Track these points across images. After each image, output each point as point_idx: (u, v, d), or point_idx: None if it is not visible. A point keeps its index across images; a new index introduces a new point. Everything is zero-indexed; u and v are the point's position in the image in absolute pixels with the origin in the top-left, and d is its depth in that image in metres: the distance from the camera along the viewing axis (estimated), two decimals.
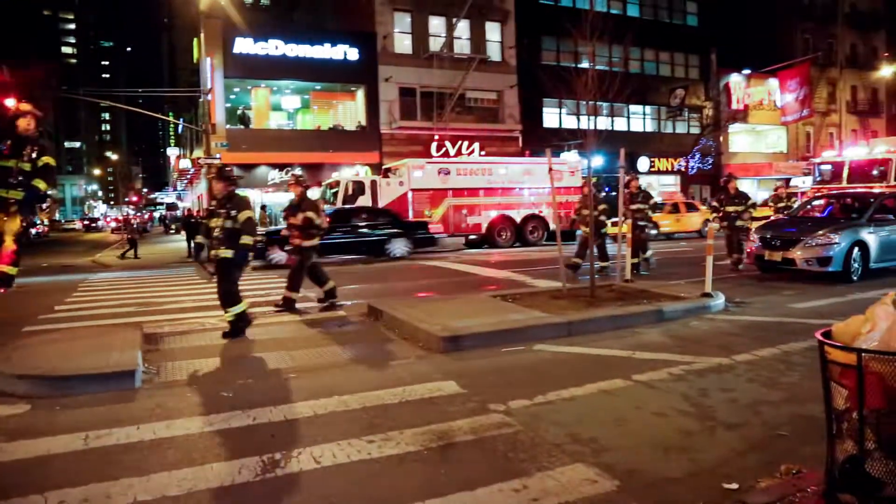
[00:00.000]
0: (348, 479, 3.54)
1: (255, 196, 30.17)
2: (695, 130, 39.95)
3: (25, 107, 6.82)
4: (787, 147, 44.11)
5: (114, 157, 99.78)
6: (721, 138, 40.56)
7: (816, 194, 16.39)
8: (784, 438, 3.94)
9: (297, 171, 10.63)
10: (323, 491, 3.40)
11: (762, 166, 41.47)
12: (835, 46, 45.30)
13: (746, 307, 8.68)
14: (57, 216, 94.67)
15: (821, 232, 10.84)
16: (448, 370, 5.75)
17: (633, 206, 12.76)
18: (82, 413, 4.80)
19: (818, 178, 19.56)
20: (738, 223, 13.15)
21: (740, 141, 43.33)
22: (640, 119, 38.74)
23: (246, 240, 7.43)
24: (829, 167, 19.52)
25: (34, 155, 6.66)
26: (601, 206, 12.45)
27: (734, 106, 40.29)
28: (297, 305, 9.34)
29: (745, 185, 41.61)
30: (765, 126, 43.15)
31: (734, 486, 3.30)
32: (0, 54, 73.99)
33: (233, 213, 7.46)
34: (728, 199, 13.60)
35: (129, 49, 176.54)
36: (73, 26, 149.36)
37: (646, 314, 7.87)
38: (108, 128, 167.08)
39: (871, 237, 10.90)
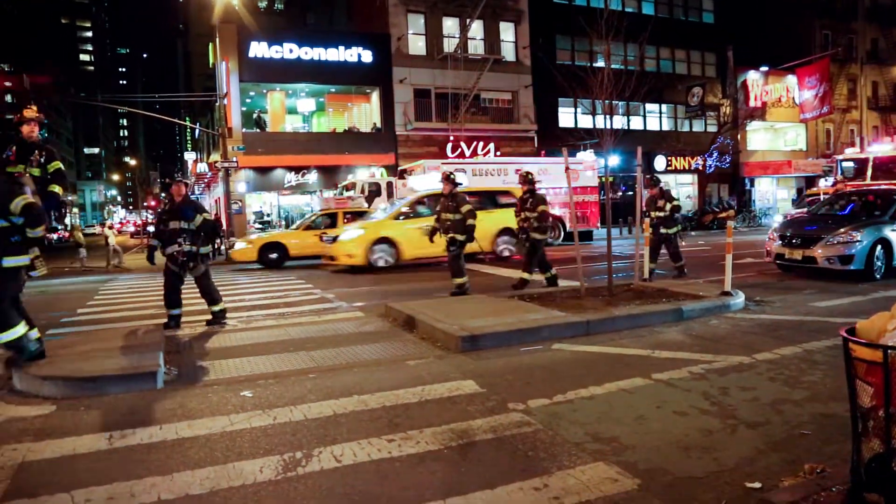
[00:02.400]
0: (369, 477, 3.56)
1: (271, 199, 30.41)
2: (712, 128, 39.63)
3: (30, 113, 6.81)
4: (807, 145, 43.64)
5: (132, 162, 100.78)
6: (739, 136, 40.19)
7: (837, 191, 16.20)
8: (807, 437, 3.90)
9: (525, 171, 11.44)
10: (343, 489, 3.42)
11: (781, 164, 41.04)
12: (855, 42, 44.71)
13: (767, 306, 8.60)
14: (77, 221, 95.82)
15: (842, 230, 10.71)
16: (467, 370, 5.75)
17: (654, 214, 12.18)
18: (106, 413, 4.86)
19: (841, 176, 19.36)
20: (662, 231, 12.01)
21: (758, 139, 42.93)
22: (656, 117, 38.52)
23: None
24: (851, 164, 19.30)
25: (42, 160, 6.65)
26: (673, 203, 12.02)
27: (752, 103, 39.88)
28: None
29: (763, 183, 41.46)
30: (783, 123, 42.71)
31: (757, 485, 3.27)
32: (19, 61, 75.19)
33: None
34: (651, 204, 12.35)
35: (144, 55, 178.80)
36: (89, 34, 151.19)
37: (665, 313, 7.82)
38: (126, 133, 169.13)
39: (894, 235, 10.74)
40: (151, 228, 26.38)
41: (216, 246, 24.93)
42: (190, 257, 8.29)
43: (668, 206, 12.00)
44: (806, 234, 11.21)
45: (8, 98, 73.86)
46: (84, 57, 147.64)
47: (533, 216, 10.48)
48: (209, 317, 8.67)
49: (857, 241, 10.40)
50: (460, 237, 10.18)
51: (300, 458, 3.82)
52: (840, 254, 10.46)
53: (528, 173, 11.05)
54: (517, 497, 3.26)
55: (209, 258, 8.65)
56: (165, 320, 8.43)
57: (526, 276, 10.70)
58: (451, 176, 10.53)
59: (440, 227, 10.44)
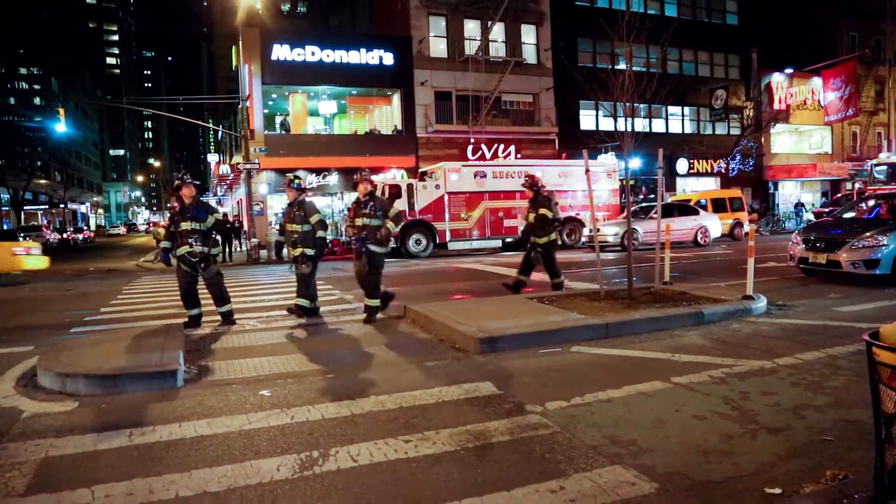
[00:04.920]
0: (385, 477, 3.56)
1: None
2: (735, 131, 39.23)
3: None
4: (832, 148, 42.99)
5: (156, 163, 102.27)
6: (762, 139, 39.74)
7: (864, 195, 15.96)
8: (829, 443, 3.83)
9: (528, 174, 11.21)
10: (360, 489, 3.43)
11: (806, 167, 40.46)
12: (883, 43, 43.93)
13: (789, 310, 8.47)
14: (102, 221, 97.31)
15: (868, 234, 10.52)
16: (484, 371, 5.74)
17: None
18: (127, 411, 4.92)
19: (874, 180, 19.06)
20: (533, 240, 10.51)
21: (783, 141, 42.39)
22: (678, 120, 38.20)
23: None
24: (884, 168, 18.96)
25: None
26: (539, 213, 10.32)
27: (776, 106, 39.40)
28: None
29: (787, 186, 40.93)
30: (808, 126, 42.14)
31: (777, 490, 3.22)
32: (48, 66, 76.49)
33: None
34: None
35: (169, 59, 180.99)
36: (116, 38, 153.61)
37: (685, 316, 7.75)
38: (151, 136, 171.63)
39: None
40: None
41: (230, 246, 25.38)
42: (202, 258, 8.33)
43: (532, 217, 10.42)
44: (830, 238, 11.04)
45: (36, 100, 75.18)
46: (110, 60, 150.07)
47: (532, 217, 10.37)
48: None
49: (883, 245, 10.21)
50: (310, 251, 8.66)
51: (317, 458, 3.84)
52: (865, 258, 10.28)
53: (530, 176, 10.72)
54: (533, 499, 3.24)
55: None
56: (186, 320, 8.51)
57: (524, 278, 10.67)
58: (296, 181, 8.91)
59: (286, 240, 8.93)
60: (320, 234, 8.76)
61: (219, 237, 8.86)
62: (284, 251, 9.16)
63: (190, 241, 8.30)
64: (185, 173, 9.00)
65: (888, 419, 2.71)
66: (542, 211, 10.22)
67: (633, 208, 22.19)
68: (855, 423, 4.09)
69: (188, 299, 8.50)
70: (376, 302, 8.72)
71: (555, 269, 10.55)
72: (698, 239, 22.37)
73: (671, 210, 22.45)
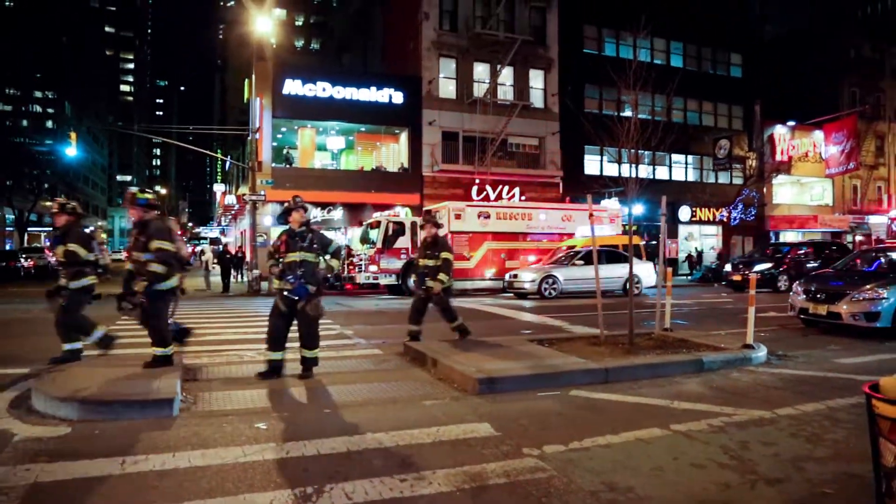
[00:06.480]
0: None
1: None
2: (737, 181, 39.53)
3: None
4: (833, 200, 43.26)
5: (162, 191, 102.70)
6: (764, 189, 40.03)
7: (863, 248, 16.02)
8: (829, 496, 3.79)
9: (429, 209, 10.66)
10: None
11: (806, 219, 40.68)
12: (882, 100, 44.60)
13: (789, 361, 8.44)
14: (105, 246, 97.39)
15: (868, 286, 10.54)
16: (483, 412, 5.70)
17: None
18: (120, 438, 4.88)
19: (893, 233, 19.22)
20: (429, 283, 9.34)
21: (784, 192, 42.67)
22: (681, 168, 38.51)
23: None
24: None
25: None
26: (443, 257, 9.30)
27: (778, 157, 39.80)
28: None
29: (789, 236, 41.06)
30: (809, 178, 42.47)
31: None
32: (62, 90, 77.72)
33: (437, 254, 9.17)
34: (422, 248, 9.77)
35: (182, 88, 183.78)
36: (131, 66, 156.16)
37: (685, 363, 7.71)
38: (159, 163, 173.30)
39: None
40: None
41: (228, 277, 25.27)
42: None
43: (444, 256, 9.31)
44: (831, 290, 11.05)
45: (49, 123, 76.12)
46: (124, 87, 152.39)
47: (435, 263, 9.21)
48: (230, 347, 8.50)
49: (884, 297, 10.21)
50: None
51: (311, 494, 3.80)
52: (866, 310, 10.28)
53: (431, 212, 10.03)
54: None
55: (173, 294, 7.20)
56: (182, 348, 7.82)
57: (414, 328, 9.40)
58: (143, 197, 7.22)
59: (134, 268, 7.22)
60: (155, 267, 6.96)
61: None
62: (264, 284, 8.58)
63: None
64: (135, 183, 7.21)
65: (888, 473, 2.70)
66: (446, 255, 9.25)
67: (559, 255, 21.75)
68: (855, 477, 4.05)
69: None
70: (316, 352, 7.38)
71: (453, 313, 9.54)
72: (627, 287, 20.99)
73: (599, 256, 20.23)
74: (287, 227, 7.52)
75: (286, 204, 7.58)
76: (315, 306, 7.20)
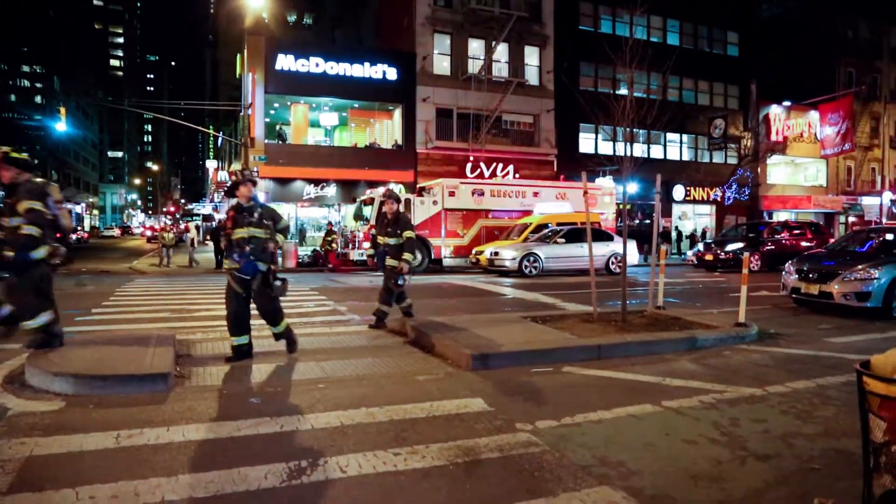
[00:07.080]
0: (373, 489, 3.55)
1: (289, 210, 30.68)
2: (732, 160, 39.55)
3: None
4: (827, 181, 43.36)
5: (154, 167, 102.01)
6: (759, 169, 40.07)
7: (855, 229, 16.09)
8: (817, 472, 3.84)
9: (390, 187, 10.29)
10: (347, 500, 3.41)
11: (800, 199, 40.82)
12: (879, 81, 44.52)
13: (781, 339, 8.51)
14: (97, 223, 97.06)
15: (860, 266, 10.60)
16: (476, 388, 5.73)
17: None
18: (115, 412, 4.89)
19: (894, 215, 19.25)
20: (390, 262, 9.00)
21: (778, 173, 42.73)
22: (676, 147, 38.49)
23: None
24: None
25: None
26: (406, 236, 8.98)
27: (773, 137, 39.80)
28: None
29: (782, 216, 41.19)
30: (804, 158, 42.52)
31: None
32: (50, 64, 76.74)
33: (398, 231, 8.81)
34: (383, 225, 9.25)
35: (173, 63, 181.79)
36: (121, 40, 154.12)
37: (677, 341, 7.77)
38: (150, 139, 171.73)
39: None
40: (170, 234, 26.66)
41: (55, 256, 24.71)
42: None
43: (406, 235, 8.96)
44: (823, 270, 11.11)
45: (38, 99, 75.27)
46: (114, 62, 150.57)
47: (397, 242, 8.92)
48: (224, 323, 8.24)
49: (875, 278, 10.28)
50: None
51: (305, 467, 3.82)
52: (857, 290, 10.35)
53: (390, 190, 9.36)
54: None
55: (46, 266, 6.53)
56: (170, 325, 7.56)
57: (385, 308, 9.13)
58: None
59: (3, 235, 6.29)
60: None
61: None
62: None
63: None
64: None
65: (876, 448, 2.73)
66: (409, 233, 8.96)
67: (543, 232, 21.48)
68: (844, 453, 4.10)
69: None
70: (284, 326, 7.11)
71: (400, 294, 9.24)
72: (611, 266, 20.88)
73: (580, 235, 19.99)
74: (235, 201, 6.93)
75: (233, 178, 7.15)
76: (282, 288, 6.85)
